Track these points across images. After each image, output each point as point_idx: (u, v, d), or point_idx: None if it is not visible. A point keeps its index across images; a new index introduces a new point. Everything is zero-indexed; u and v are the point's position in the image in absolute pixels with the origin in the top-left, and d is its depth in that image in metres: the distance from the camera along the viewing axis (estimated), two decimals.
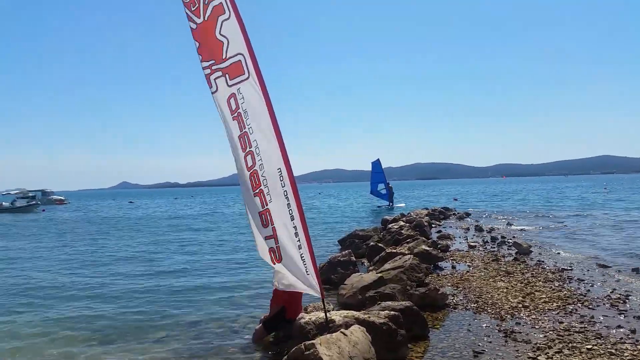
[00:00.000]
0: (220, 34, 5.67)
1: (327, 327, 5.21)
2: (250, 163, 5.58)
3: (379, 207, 38.10)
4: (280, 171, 5.46)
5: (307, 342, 4.11)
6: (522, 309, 7.08)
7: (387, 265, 9.17)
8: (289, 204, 5.42)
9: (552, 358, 5.13)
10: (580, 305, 7.20)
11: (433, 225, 20.03)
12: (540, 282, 8.71)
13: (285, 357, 4.32)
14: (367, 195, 48.94)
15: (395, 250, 10.60)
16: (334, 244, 15.87)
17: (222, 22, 5.65)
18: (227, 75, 5.64)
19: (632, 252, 12.04)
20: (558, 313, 6.81)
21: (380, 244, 12.67)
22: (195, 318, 7.66)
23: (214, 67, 5.75)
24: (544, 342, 5.59)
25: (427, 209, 27.34)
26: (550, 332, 5.95)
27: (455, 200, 45.91)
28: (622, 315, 6.65)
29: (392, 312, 5.56)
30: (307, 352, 3.95)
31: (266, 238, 5.53)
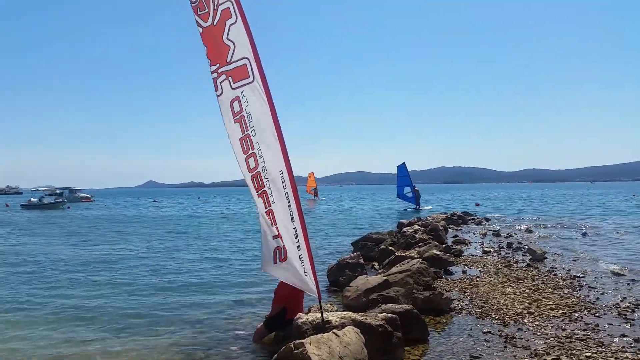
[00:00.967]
0: (228, 39, 5.77)
1: (323, 327, 5.28)
2: (252, 165, 5.69)
3: (405, 210, 38.08)
4: (282, 173, 5.56)
5: (297, 342, 4.20)
6: (527, 315, 7.03)
7: (394, 269, 9.20)
8: (289, 206, 5.53)
9: None
10: (586, 312, 7.11)
11: (450, 230, 19.88)
12: (550, 289, 8.61)
13: (275, 355, 4.41)
14: (393, 199, 48.77)
15: (404, 254, 10.61)
16: (347, 246, 15.90)
17: (230, 26, 5.75)
18: (230, 78, 5.74)
19: None
20: (563, 320, 6.75)
21: (391, 247, 12.68)
22: (200, 316, 7.84)
23: (220, 71, 5.87)
24: (542, 349, 5.57)
25: (445, 213, 27.12)
26: (551, 339, 5.91)
27: (478, 205, 45.37)
28: (629, 324, 6.55)
29: (390, 315, 5.60)
30: (296, 351, 4.03)
31: (273, 237, 5.61)
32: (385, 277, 8.25)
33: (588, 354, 5.33)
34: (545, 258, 12.07)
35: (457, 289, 8.91)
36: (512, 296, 8.16)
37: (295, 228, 5.50)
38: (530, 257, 12.17)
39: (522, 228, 20.81)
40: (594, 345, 5.64)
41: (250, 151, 5.65)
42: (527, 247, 13.51)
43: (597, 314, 7.02)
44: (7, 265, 13.62)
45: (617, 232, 18.88)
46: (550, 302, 7.67)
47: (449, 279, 9.91)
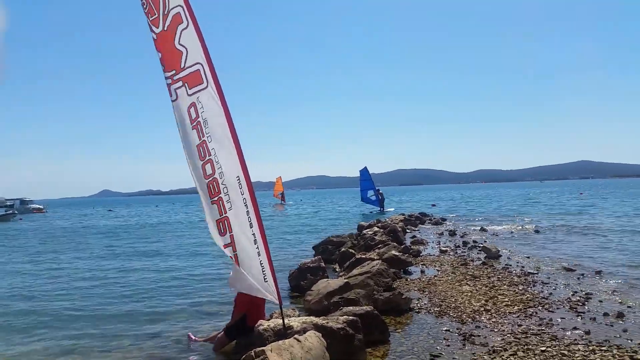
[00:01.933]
0: (180, 44, 5.67)
1: (285, 333, 5.24)
2: (209, 171, 5.59)
3: (370, 212, 38.54)
4: (239, 179, 5.49)
5: (257, 349, 4.13)
6: (484, 312, 7.21)
7: (355, 271, 9.24)
8: (247, 212, 5.46)
9: None
10: (540, 308, 7.35)
11: (408, 231, 20.19)
12: (505, 286, 8.86)
13: None
14: (353, 202, 49.00)
15: (365, 256, 10.68)
16: (308, 250, 15.88)
17: (181, 31, 5.65)
18: (186, 85, 5.64)
19: (597, 257, 12.27)
20: (518, 316, 6.94)
21: (351, 250, 12.75)
22: (158, 328, 7.60)
23: (175, 77, 5.75)
24: (500, 345, 5.70)
25: (403, 214, 27.55)
26: (508, 335, 6.07)
27: (434, 205, 46.32)
28: (580, 317, 6.81)
29: (351, 317, 5.61)
30: (257, 359, 3.97)
31: (224, 246, 5.55)
32: (346, 280, 8.28)
33: (543, 348, 5.50)
34: (500, 256, 12.44)
35: (416, 289, 9.04)
36: (469, 294, 8.34)
37: (254, 234, 5.43)
38: (486, 255, 12.50)
39: (477, 227, 21.37)
40: (549, 340, 5.83)
41: (207, 157, 5.55)
42: (482, 245, 13.87)
43: (551, 309, 7.27)
44: None
45: (567, 229, 19.65)
46: (506, 299, 7.90)
47: (408, 279, 10.05)
